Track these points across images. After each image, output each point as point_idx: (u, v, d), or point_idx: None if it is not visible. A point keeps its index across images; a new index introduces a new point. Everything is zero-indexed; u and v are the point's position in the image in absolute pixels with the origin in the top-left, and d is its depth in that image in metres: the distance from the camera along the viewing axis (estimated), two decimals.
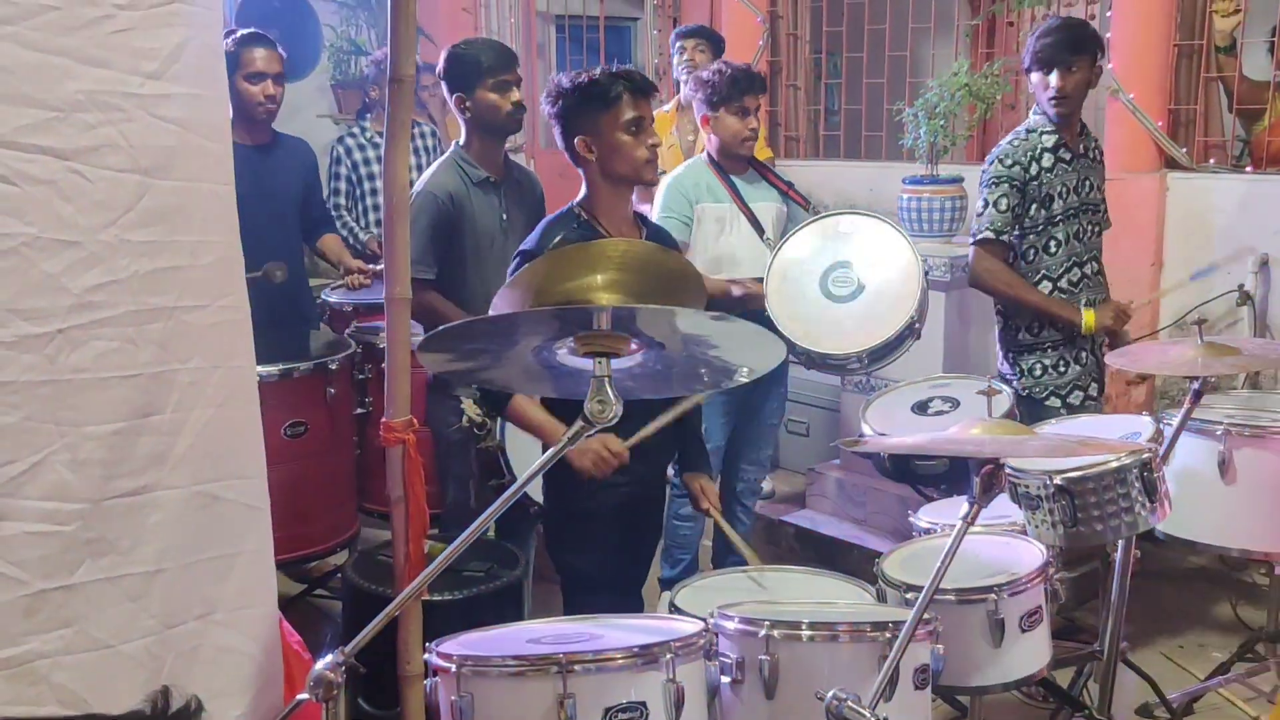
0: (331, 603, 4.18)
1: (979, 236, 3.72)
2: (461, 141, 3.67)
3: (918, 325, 3.38)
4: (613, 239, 2.19)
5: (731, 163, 3.93)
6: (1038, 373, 3.76)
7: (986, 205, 3.71)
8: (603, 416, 1.75)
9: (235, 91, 4.00)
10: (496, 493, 3.11)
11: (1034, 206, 3.70)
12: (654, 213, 3.96)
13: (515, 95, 3.61)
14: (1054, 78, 3.65)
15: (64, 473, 1.55)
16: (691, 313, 1.68)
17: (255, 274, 3.99)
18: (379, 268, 4.26)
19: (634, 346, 1.79)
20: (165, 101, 1.61)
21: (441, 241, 3.52)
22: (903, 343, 3.36)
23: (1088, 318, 3.67)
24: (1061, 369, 3.75)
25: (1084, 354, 3.77)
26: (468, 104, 3.57)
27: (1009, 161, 3.69)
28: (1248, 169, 4.94)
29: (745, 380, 1.91)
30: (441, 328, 1.67)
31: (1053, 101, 3.69)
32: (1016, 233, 3.72)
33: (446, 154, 3.69)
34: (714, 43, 5.16)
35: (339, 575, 3.74)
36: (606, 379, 1.75)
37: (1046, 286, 3.73)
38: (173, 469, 1.66)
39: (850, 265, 3.44)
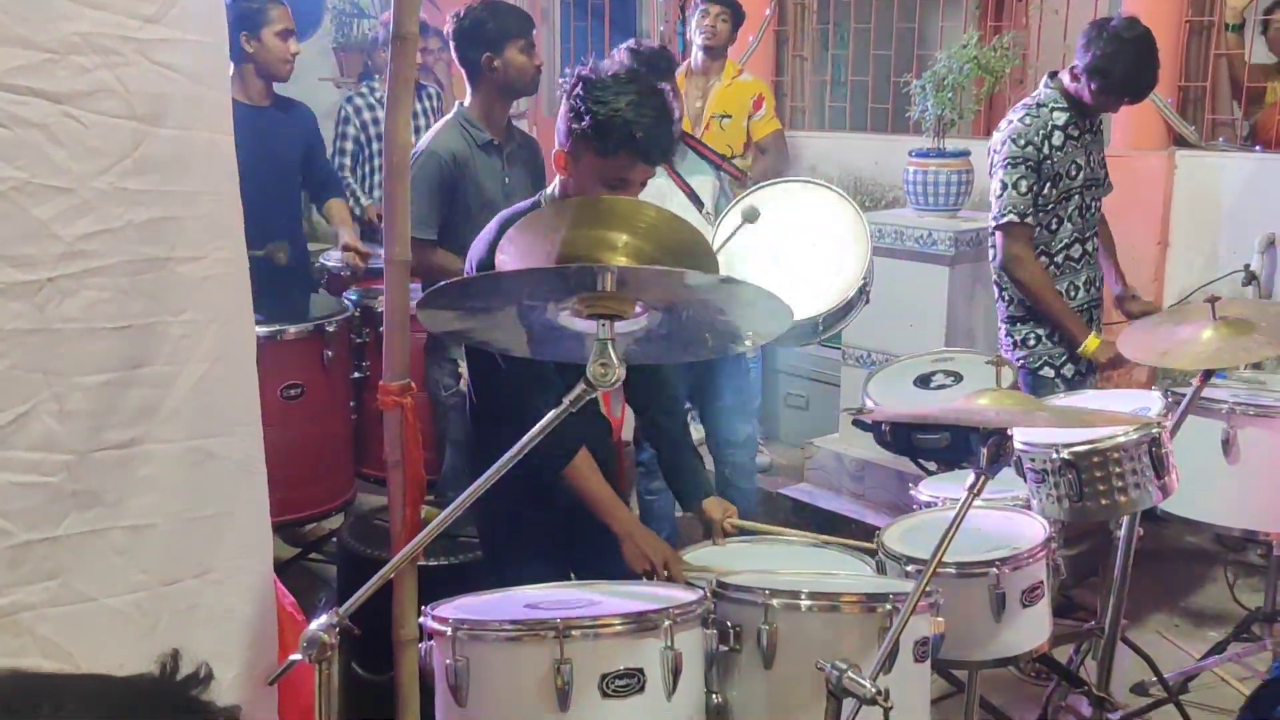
0: (327, 567, 4.16)
1: (1003, 220, 3.65)
2: (466, 103, 3.63)
3: (868, 288, 3.24)
4: (646, 203, 2.09)
5: None
6: (1032, 342, 3.76)
7: (1006, 187, 3.64)
8: (605, 380, 1.72)
9: (264, 48, 3.93)
10: None
11: (1047, 185, 3.66)
12: None
13: (538, 57, 3.63)
14: (1120, 108, 3.68)
15: (51, 423, 1.52)
16: (700, 275, 1.64)
17: (258, 252, 3.94)
18: (376, 252, 4.24)
19: (638, 310, 1.75)
20: (163, 46, 1.57)
21: (443, 202, 3.49)
22: (854, 308, 3.23)
23: (1091, 342, 3.63)
24: (1056, 338, 3.73)
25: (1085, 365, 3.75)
26: (496, 63, 3.54)
27: (1023, 141, 3.62)
28: (1256, 148, 4.90)
29: (749, 347, 1.89)
30: (442, 283, 1.64)
31: (1094, 108, 3.67)
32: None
33: (449, 115, 3.66)
34: (735, 14, 5.08)
35: (334, 540, 3.72)
36: (610, 342, 1.71)
37: (1043, 262, 3.72)
38: (164, 422, 1.63)
39: (796, 233, 3.33)
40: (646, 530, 2.58)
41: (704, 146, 4.02)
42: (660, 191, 3.84)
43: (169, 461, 1.64)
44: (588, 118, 2.36)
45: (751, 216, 3.45)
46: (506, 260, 1.88)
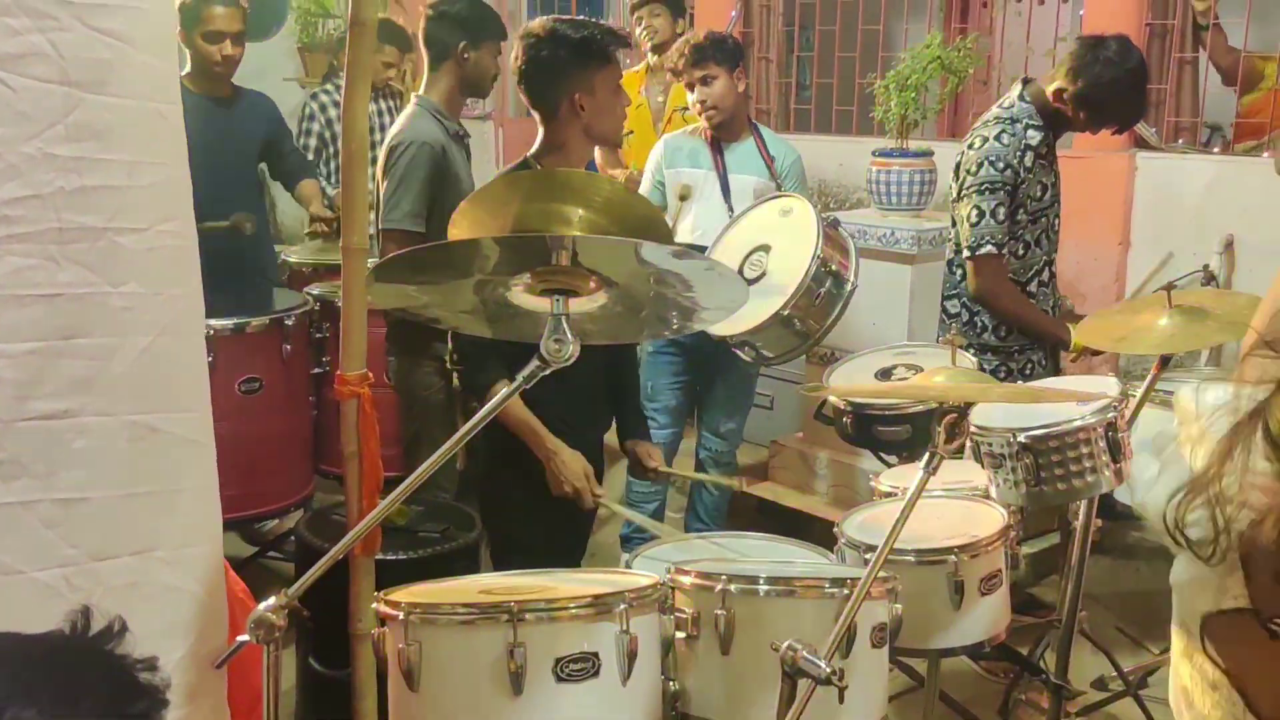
0: (284, 565, 4.13)
1: (981, 251, 3.47)
2: (424, 91, 3.61)
3: (830, 265, 3.15)
4: (601, 177, 2.10)
5: (725, 129, 3.89)
6: (1001, 374, 3.64)
7: (984, 215, 3.45)
8: (560, 355, 1.70)
9: (191, 47, 3.93)
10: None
11: (1019, 210, 3.52)
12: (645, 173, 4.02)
13: (499, 68, 3.65)
14: (1103, 130, 3.55)
15: None
16: (653, 246, 1.63)
17: (222, 223, 3.92)
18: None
19: (593, 285, 1.74)
20: (102, 12, 1.53)
21: (434, 193, 3.43)
22: (821, 290, 3.12)
23: (1076, 338, 3.46)
24: (1027, 371, 3.66)
25: (1045, 357, 3.69)
26: (468, 54, 3.53)
27: (1001, 165, 3.44)
28: (1214, 150, 4.95)
29: (709, 325, 1.87)
30: (390, 256, 1.61)
31: (1072, 127, 3.57)
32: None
33: (415, 105, 3.60)
34: (669, 6, 5.11)
35: (292, 537, 3.68)
36: (564, 317, 1.69)
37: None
38: (101, 395, 1.58)
39: (769, 250, 3.32)
40: (572, 453, 2.68)
41: (765, 149, 3.98)
42: (695, 182, 3.87)
43: (106, 435, 1.60)
44: (575, 46, 2.66)
45: (685, 194, 3.54)
46: (458, 235, 1.85)
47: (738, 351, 3.31)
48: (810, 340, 3.25)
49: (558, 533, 2.84)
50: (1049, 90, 3.51)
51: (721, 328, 3.22)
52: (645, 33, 5.04)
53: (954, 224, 3.69)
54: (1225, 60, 5.02)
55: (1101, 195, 4.83)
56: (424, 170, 3.40)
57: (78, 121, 1.53)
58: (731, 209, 3.79)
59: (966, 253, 3.53)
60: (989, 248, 3.47)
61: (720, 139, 3.90)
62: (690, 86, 3.85)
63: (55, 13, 1.49)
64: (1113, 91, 3.41)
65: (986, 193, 3.44)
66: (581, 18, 2.79)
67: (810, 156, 5.78)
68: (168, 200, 1.67)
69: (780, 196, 3.55)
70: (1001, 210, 3.45)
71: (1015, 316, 3.57)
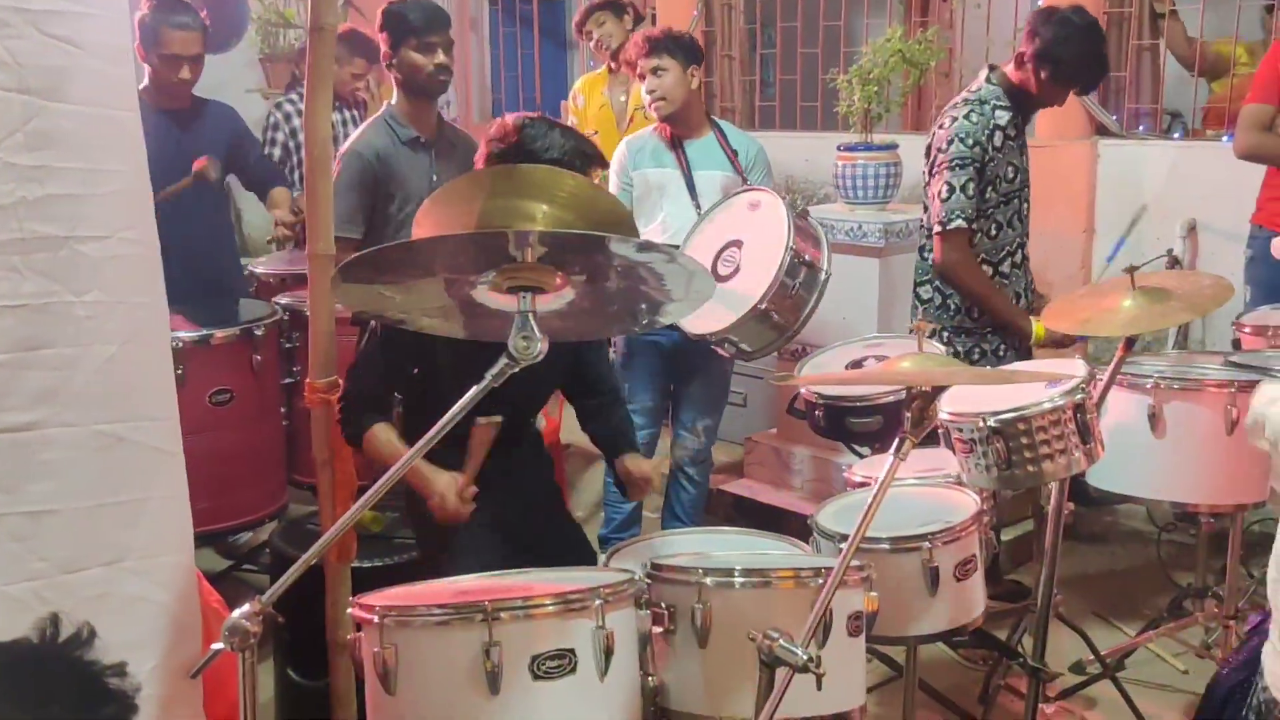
0: (260, 578, 4.08)
1: (951, 225, 3.50)
2: (394, 101, 3.62)
3: (804, 257, 3.19)
4: (565, 173, 2.06)
5: (683, 125, 3.87)
6: (975, 356, 3.68)
7: (954, 190, 3.49)
8: (528, 353, 1.70)
9: (149, 65, 3.90)
10: None
11: (988, 189, 3.56)
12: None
13: (440, 58, 3.54)
14: (1067, 98, 3.57)
15: None
16: (619, 241, 1.62)
17: (185, 181, 3.87)
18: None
19: (559, 282, 1.73)
20: (57, 19, 1.52)
21: (367, 201, 3.46)
22: (796, 284, 3.16)
23: (1038, 329, 3.52)
24: (1001, 353, 3.66)
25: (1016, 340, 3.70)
26: (394, 60, 3.52)
27: (970, 141, 3.48)
28: (1176, 136, 5.01)
29: (677, 318, 1.87)
30: (355, 255, 1.61)
31: (1038, 99, 3.59)
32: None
33: (377, 114, 3.64)
34: (612, 9, 5.14)
35: (267, 550, 3.66)
36: (531, 314, 1.69)
37: (988, 270, 3.63)
38: (67, 406, 1.57)
39: (742, 245, 3.30)
40: (441, 473, 2.47)
41: (727, 144, 3.94)
42: (661, 182, 3.85)
43: (73, 446, 1.58)
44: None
45: None
46: (422, 234, 1.85)
47: (717, 349, 3.32)
48: (789, 332, 3.26)
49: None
50: (1010, 62, 3.60)
51: (700, 325, 3.23)
52: (599, 42, 5.11)
53: (925, 209, 3.73)
54: (1183, 48, 5.08)
55: (1065, 183, 4.87)
56: (352, 178, 3.45)
57: (37, 129, 1.51)
58: (699, 206, 3.78)
59: (937, 227, 3.55)
60: (959, 222, 3.50)
61: (680, 136, 3.88)
62: (641, 77, 3.84)
63: (10, 19, 1.48)
64: (1069, 47, 3.47)
65: (957, 168, 3.49)
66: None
67: (776, 153, 5.79)
68: (128, 208, 1.66)
69: (747, 190, 3.56)
70: (971, 186, 3.49)
71: (978, 295, 3.58)
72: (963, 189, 3.49)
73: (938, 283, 3.68)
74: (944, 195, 3.52)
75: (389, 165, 3.47)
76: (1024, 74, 3.55)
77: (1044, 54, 3.48)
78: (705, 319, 3.17)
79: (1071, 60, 3.48)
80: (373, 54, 4.93)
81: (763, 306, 3.13)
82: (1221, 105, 4.99)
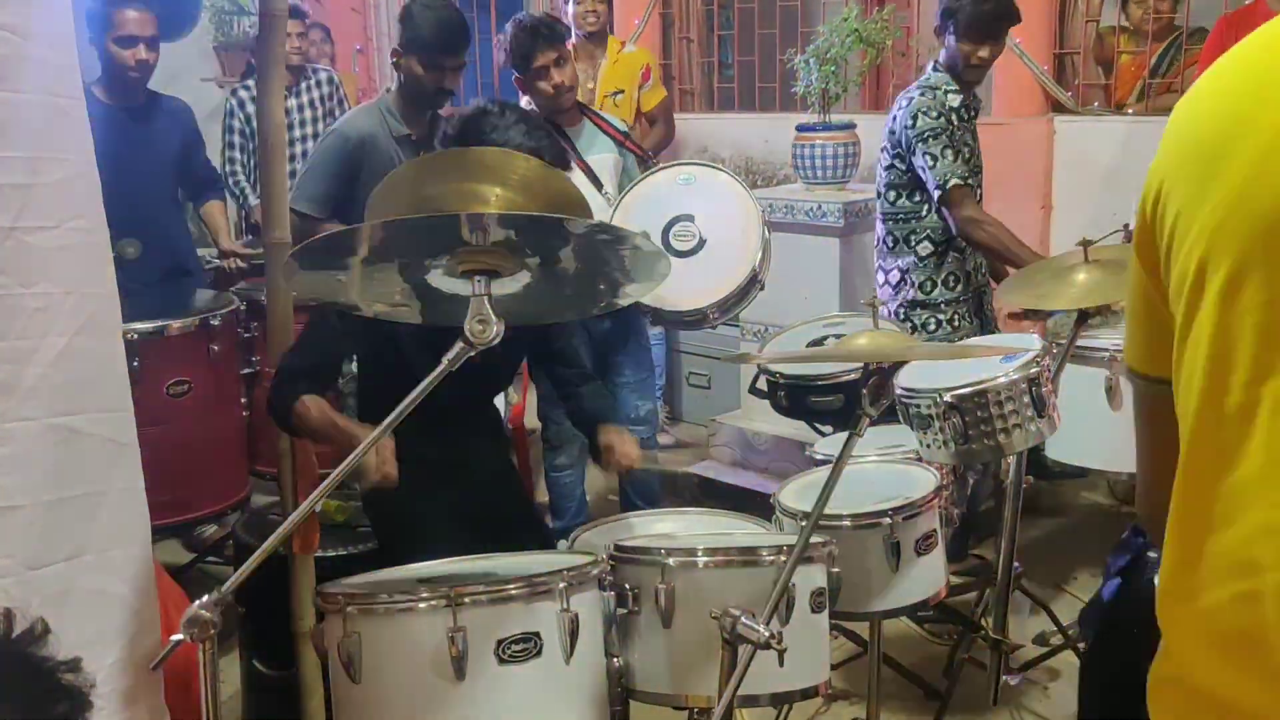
0: (225, 569, 4.06)
1: (949, 185, 3.53)
2: (392, 89, 3.61)
3: (760, 276, 3.19)
4: (518, 154, 2.03)
5: (562, 115, 3.77)
6: (931, 327, 3.72)
7: (936, 160, 3.54)
8: (484, 337, 1.69)
9: (104, 53, 3.84)
10: None
11: (957, 158, 3.59)
12: None
13: (445, 82, 3.48)
14: (985, 50, 3.59)
15: None
16: (578, 222, 1.62)
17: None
18: (255, 251, 4.16)
19: (515, 265, 1.73)
20: (0, 7, 1.50)
21: (342, 183, 3.45)
22: (748, 293, 3.18)
23: None
24: (956, 322, 3.72)
25: (973, 313, 3.77)
26: (401, 61, 3.49)
27: (934, 114, 3.56)
28: (1129, 111, 5.05)
29: (635, 299, 1.87)
30: (306, 241, 1.59)
31: (973, 68, 3.63)
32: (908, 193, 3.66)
33: (377, 98, 3.62)
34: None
35: (231, 542, 3.63)
36: (486, 298, 1.68)
37: (929, 247, 3.69)
38: (24, 400, 1.55)
39: (693, 218, 3.27)
40: (365, 428, 2.30)
41: (605, 122, 3.90)
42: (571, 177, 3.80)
43: (31, 440, 1.56)
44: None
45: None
46: (375, 219, 1.83)
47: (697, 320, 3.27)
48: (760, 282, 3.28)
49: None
50: (940, 45, 3.70)
51: (695, 299, 3.19)
52: (585, 19, 5.00)
53: (879, 194, 3.75)
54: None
55: (1022, 160, 4.90)
56: (333, 158, 3.45)
57: None
58: (604, 191, 3.73)
59: (937, 194, 3.58)
60: (955, 180, 3.54)
61: (560, 125, 3.80)
62: (545, 69, 3.73)
63: None
64: (972, 7, 3.55)
65: (930, 139, 3.55)
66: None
67: (735, 134, 5.84)
68: (75, 197, 1.64)
69: (663, 168, 3.45)
70: (949, 152, 3.55)
71: (1002, 245, 3.57)
72: (941, 155, 3.55)
73: (900, 264, 3.73)
74: (929, 165, 3.58)
75: (371, 153, 3.44)
76: (947, 49, 3.66)
77: (945, 15, 3.61)
78: (693, 294, 3.16)
79: (967, 9, 3.56)
80: (299, 11, 4.87)
81: (757, 268, 3.15)
82: (1176, 79, 5.04)
